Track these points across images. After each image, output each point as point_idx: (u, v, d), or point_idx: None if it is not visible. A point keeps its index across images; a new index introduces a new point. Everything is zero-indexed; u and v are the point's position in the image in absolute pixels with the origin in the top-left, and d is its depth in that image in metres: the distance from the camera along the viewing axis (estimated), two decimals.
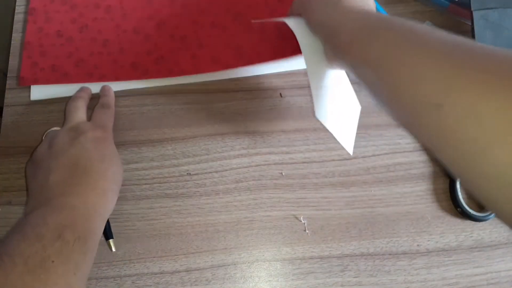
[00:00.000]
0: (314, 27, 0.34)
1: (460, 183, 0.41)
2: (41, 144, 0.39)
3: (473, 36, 0.43)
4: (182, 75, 0.45)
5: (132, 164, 0.43)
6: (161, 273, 0.39)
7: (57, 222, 0.31)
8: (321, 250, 0.40)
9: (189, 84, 0.46)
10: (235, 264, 0.39)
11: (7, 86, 0.46)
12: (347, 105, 0.41)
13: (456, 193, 0.41)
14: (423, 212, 0.41)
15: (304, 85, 0.46)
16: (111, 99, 0.44)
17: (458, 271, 0.39)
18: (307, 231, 0.41)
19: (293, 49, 0.43)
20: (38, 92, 0.45)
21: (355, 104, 0.42)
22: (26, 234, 0.30)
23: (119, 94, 0.45)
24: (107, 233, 0.39)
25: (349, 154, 0.40)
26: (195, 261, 0.39)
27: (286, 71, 0.47)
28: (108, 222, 0.39)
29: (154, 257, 0.39)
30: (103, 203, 0.35)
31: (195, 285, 0.38)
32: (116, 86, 0.45)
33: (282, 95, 0.45)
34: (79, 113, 0.41)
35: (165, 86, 0.46)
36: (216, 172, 0.43)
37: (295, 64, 0.46)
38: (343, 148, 0.43)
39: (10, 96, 0.45)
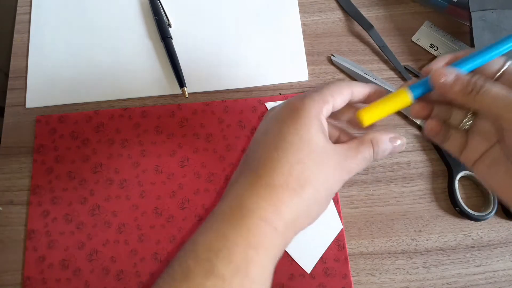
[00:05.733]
0: None
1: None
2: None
3: (471, 37, 0.43)
4: None
5: None
6: None
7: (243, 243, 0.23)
8: None
9: None
10: None
11: (8, 87, 0.46)
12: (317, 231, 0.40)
13: (454, 193, 0.41)
14: (421, 211, 0.42)
15: (303, 86, 0.46)
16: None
17: (456, 270, 0.40)
18: None
19: None
20: (34, 100, 0.45)
21: (335, 225, 0.40)
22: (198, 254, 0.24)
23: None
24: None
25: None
26: None
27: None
28: None
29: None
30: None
31: None
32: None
33: (281, 94, 0.46)
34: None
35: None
36: None
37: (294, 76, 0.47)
38: None
39: (11, 97, 0.46)
